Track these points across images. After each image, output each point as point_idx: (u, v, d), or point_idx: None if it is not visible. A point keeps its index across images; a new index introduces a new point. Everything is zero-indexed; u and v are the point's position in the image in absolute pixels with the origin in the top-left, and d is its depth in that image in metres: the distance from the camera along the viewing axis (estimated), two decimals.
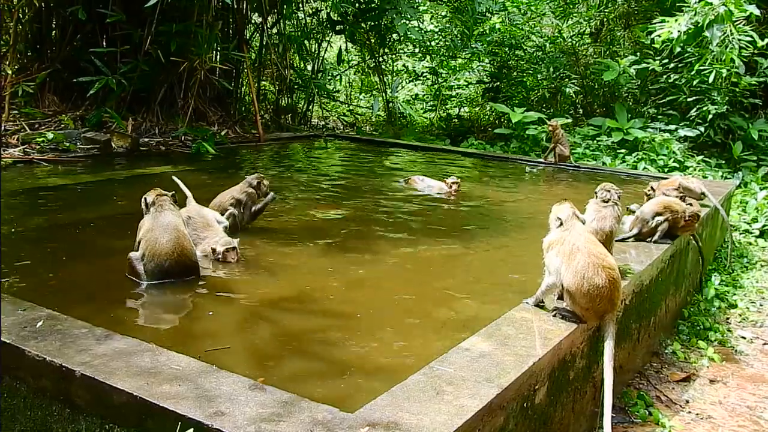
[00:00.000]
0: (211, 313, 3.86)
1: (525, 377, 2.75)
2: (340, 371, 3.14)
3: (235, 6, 10.84)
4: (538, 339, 3.08)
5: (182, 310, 3.96)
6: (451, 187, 7.49)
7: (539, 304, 3.51)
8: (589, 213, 4.27)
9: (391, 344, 3.55)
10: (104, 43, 10.02)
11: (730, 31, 9.69)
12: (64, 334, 2.87)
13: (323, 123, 14.70)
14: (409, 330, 3.77)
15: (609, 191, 4.38)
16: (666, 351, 5.20)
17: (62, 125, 9.30)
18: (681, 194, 5.70)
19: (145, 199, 4.33)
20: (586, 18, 14.88)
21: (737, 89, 11.59)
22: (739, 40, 9.81)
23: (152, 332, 3.48)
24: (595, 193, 4.45)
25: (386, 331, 3.73)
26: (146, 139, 9.66)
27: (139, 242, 4.18)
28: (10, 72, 9.40)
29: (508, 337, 3.06)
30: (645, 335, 4.74)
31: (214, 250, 4.62)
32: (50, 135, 8.56)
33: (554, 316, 3.35)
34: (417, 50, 14.95)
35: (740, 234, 8.39)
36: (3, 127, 8.88)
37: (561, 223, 3.50)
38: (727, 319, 6.02)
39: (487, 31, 13.70)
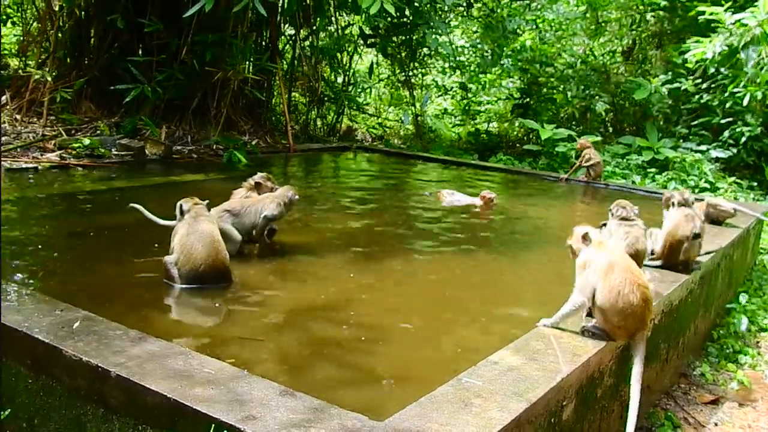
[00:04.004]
0: (217, 305, 4.04)
1: (553, 393, 2.75)
2: (369, 379, 3.18)
3: (269, 18, 10.99)
4: (567, 355, 3.07)
5: (214, 314, 4.03)
6: (485, 200, 7.46)
7: (558, 327, 3.44)
8: (617, 235, 4.24)
9: (419, 354, 3.59)
10: (141, 52, 10.23)
11: (766, 52, 9.58)
12: (99, 335, 2.93)
13: (351, 135, 14.78)
14: (437, 341, 3.80)
15: (626, 208, 4.37)
16: (694, 373, 5.14)
17: (98, 131, 9.49)
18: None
19: (181, 205, 4.42)
20: (618, 37, 14.83)
21: None
22: None
23: (184, 335, 3.55)
24: (610, 211, 4.42)
25: (414, 341, 3.76)
26: (179, 147, 9.81)
27: (174, 247, 4.28)
28: (49, 78, 9.61)
29: (537, 352, 3.06)
30: (673, 356, 4.70)
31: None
32: (86, 141, 8.74)
33: (583, 333, 3.33)
34: (447, 65, 15.00)
35: None
36: (41, 133, 9.09)
37: (590, 241, 3.47)
38: (758, 342, 5.92)
39: (518, 49, 13.72)
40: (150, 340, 2.90)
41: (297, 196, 5.25)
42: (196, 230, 4.27)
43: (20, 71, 10.43)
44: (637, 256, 4.15)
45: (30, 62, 10.84)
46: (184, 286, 4.19)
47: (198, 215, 4.35)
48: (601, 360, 3.24)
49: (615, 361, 3.42)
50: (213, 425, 2.30)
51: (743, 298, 6.48)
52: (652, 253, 4.93)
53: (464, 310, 4.35)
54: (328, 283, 4.67)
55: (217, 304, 4.10)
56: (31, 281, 4.16)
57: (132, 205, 4.88)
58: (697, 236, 4.81)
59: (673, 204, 4.94)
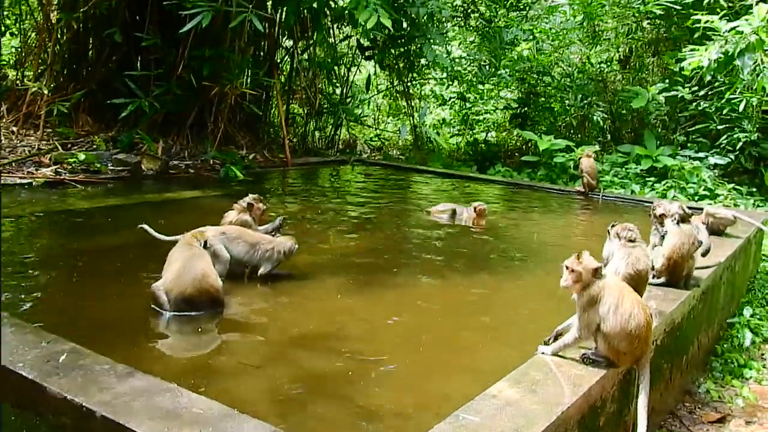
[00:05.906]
0: (200, 329, 3.98)
1: (553, 427, 2.65)
2: (364, 416, 3.07)
3: (267, 32, 10.94)
4: (568, 385, 2.98)
5: (204, 345, 3.93)
6: (478, 211, 7.44)
7: (557, 354, 3.32)
8: (618, 256, 4.14)
9: (415, 387, 3.47)
10: (138, 66, 10.17)
11: (761, 59, 9.53)
12: (86, 369, 2.84)
13: (351, 148, 14.70)
14: (434, 372, 3.69)
15: (633, 230, 4.26)
16: (699, 390, 5.05)
17: (94, 146, 9.42)
18: None
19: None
20: (615, 45, 14.78)
21: None
22: None
23: (173, 368, 3.45)
24: (617, 235, 4.27)
25: (411, 374, 3.65)
26: (175, 162, 9.74)
27: (163, 272, 4.24)
28: (46, 91, 9.54)
29: (536, 383, 2.97)
30: (677, 374, 4.60)
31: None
32: (82, 156, 8.66)
33: (583, 361, 3.24)
34: (445, 76, 14.97)
35: None
36: (37, 147, 9.01)
37: (601, 276, 3.29)
38: (762, 355, 5.84)
39: (515, 59, 13.68)
40: (138, 376, 2.81)
41: (296, 246, 5.10)
42: (184, 256, 4.24)
43: (18, 83, 10.38)
44: (639, 276, 4.06)
45: (27, 74, 10.78)
46: (173, 312, 4.11)
47: (189, 243, 4.34)
48: (603, 388, 3.15)
49: (617, 387, 3.33)
50: None
51: (747, 312, 6.39)
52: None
53: (465, 338, 4.24)
54: (324, 311, 4.55)
55: (202, 330, 4.02)
56: (19, 308, 4.06)
57: (141, 226, 4.90)
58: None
59: (674, 220, 4.87)
